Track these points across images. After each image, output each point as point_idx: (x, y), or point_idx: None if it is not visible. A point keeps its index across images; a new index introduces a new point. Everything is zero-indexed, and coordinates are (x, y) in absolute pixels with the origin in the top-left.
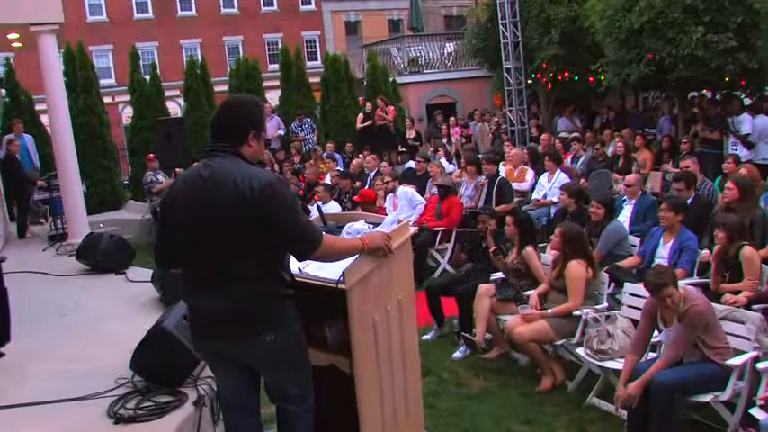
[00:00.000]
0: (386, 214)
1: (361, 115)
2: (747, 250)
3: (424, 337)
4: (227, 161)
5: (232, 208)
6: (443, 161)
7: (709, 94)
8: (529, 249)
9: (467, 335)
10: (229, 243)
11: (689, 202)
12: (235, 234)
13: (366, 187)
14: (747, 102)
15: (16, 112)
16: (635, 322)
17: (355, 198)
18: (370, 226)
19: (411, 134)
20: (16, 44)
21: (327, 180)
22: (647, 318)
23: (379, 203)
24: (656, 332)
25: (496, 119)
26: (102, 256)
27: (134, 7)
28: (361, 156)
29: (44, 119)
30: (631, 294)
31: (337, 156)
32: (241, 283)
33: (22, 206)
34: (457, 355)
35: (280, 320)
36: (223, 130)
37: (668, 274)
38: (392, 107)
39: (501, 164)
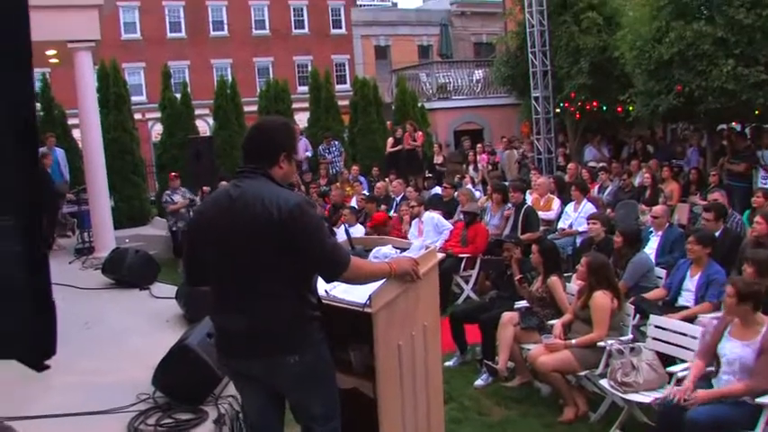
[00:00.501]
0: (405, 238)
1: (391, 139)
2: None
3: (447, 364)
4: (257, 182)
5: (259, 228)
6: (470, 187)
7: (738, 127)
8: (554, 278)
9: (489, 363)
10: (256, 263)
11: (717, 234)
12: (262, 254)
13: (392, 212)
14: None
15: (49, 126)
16: (660, 355)
17: (368, 224)
18: (398, 251)
19: (438, 159)
20: (53, 60)
21: (353, 203)
22: (718, 331)
23: (404, 228)
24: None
25: (523, 147)
26: (128, 271)
27: (167, 26)
28: (387, 180)
29: (76, 133)
30: (657, 327)
31: (362, 179)
32: (268, 303)
33: (49, 219)
34: (479, 382)
35: (305, 342)
36: (254, 151)
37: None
38: (420, 132)
39: (527, 192)
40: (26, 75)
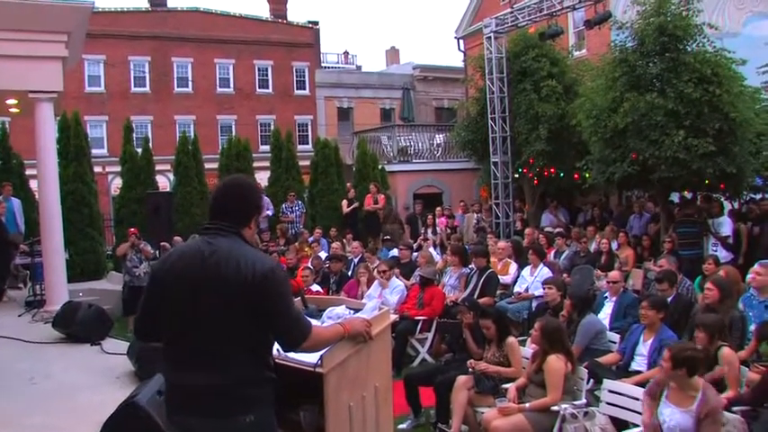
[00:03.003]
0: (360, 299)
1: (345, 201)
2: (727, 351)
3: (401, 427)
4: (230, 241)
5: (231, 290)
6: (431, 250)
7: (689, 196)
8: (511, 340)
9: (443, 426)
10: (221, 322)
11: (670, 300)
12: (226, 314)
13: (349, 273)
14: (727, 205)
15: (6, 174)
16: (614, 420)
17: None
18: (351, 311)
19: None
20: (14, 109)
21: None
22: (652, 397)
23: (361, 290)
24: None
25: (479, 213)
26: (80, 326)
27: (132, 81)
28: (344, 240)
29: (33, 183)
30: (610, 391)
31: (324, 241)
32: (227, 362)
33: (1, 270)
34: None
35: (260, 402)
36: (229, 210)
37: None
38: (382, 195)
39: None
40: None
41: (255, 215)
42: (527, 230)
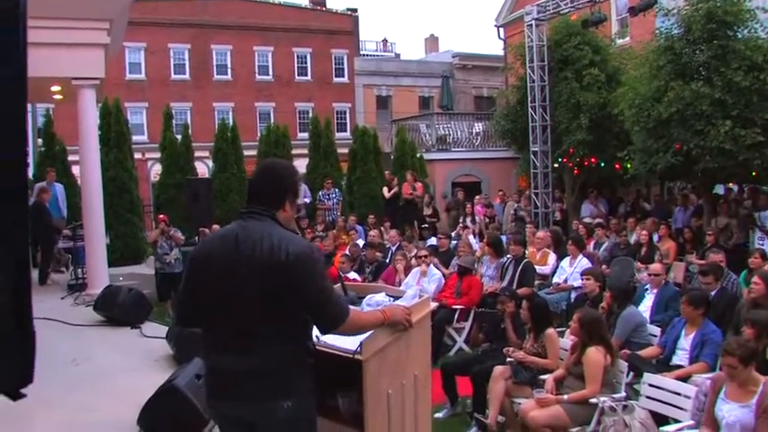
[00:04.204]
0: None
1: (386, 189)
2: None
3: (437, 416)
4: (264, 224)
5: (265, 270)
6: (471, 238)
7: (735, 188)
8: (550, 331)
9: (479, 416)
10: (256, 305)
11: (714, 294)
12: (263, 296)
13: (387, 260)
14: None
15: (50, 161)
16: (653, 414)
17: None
18: (391, 299)
19: (428, 211)
20: (57, 96)
21: (347, 250)
22: (712, 393)
23: (398, 278)
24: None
25: (518, 203)
26: (120, 310)
27: (171, 68)
28: (382, 228)
29: (75, 169)
30: (651, 385)
31: (360, 228)
32: (265, 346)
33: (45, 253)
34: None
35: (299, 388)
36: (262, 193)
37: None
38: (420, 183)
39: None
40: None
41: (290, 197)
42: (574, 222)
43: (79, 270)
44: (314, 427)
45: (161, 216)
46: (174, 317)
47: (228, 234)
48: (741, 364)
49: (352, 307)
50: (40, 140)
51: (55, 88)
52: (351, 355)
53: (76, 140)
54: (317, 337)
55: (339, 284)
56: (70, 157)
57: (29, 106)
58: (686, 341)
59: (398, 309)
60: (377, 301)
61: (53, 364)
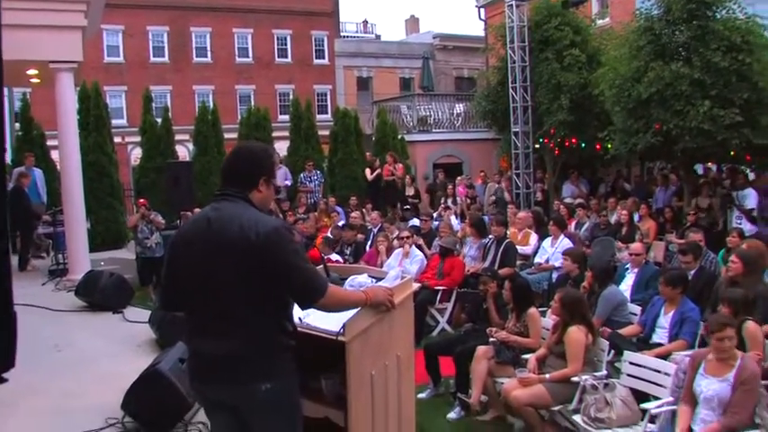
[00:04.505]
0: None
1: (368, 170)
2: (751, 325)
3: (420, 396)
4: (236, 206)
5: (237, 251)
6: (452, 218)
7: (714, 168)
8: (532, 311)
9: (462, 396)
10: (233, 287)
11: (693, 273)
12: (238, 278)
13: (369, 242)
14: (752, 176)
15: (28, 145)
16: (634, 392)
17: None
18: (373, 280)
19: (410, 192)
20: (34, 80)
21: (329, 233)
22: (691, 369)
23: (380, 259)
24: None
25: (499, 184)
26: (101, 294)
27: (150, 51)
28: (364, 210)
29: (54, 154)
30: (631, 363)
31: (339, 209)
32: (243, 328)
33: (25, 239)
34: (452, 415)
35: (278, 370)
36: (233, 174)
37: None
38: (400, 164)
39: None
40: None
41: (263, 178)
42: (555, 203)
43: (60, 255)
44: (298, 409)
45: (141, 200)
46: (158, 301)
47: (202, 217)
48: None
49: (335, 286)
50: (17, 125)
51: (32, 72)
52: (334, 337)
53: (55, 125)
54: (299, 318)
55: (321, 266)
56: (49, 142)
57: (5, 90)
58: (665, 319)
59: (381, 290)
60: (359, 282)
61: (35, 350)
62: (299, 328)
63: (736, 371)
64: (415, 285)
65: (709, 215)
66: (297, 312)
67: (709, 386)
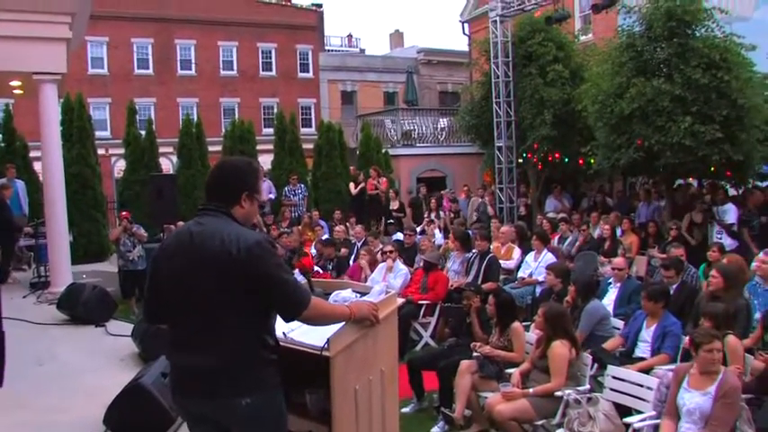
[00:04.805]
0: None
1: (352, 184)
2: (732, 339)
3: (403, 410)
4: (218, 220)
5: (218, 266)
6: (436, 232)
7: (695, 183)
8: (516, 325)
9: (446, 410)
10: (213, 301)
11: (674, 287)
12: (219, 292)
13: (353, 257)
14: (732, 192)
15: (10, 156)
16: (617, 406)
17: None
18: (358, 295)
19: (394, 205)
20: (17, 91)
21: (313, 248)
22: (675, 383)
23: (364, 273)
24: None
25: (482, 198)
26: (84, 308)
27: (135, 63)
28: (348, 224)
29: (36, 165)
30: (614, 378)
31: (323, 223)
32: (224, 342)
33: (6, 251)
34: (435, 430)
35: (259, 385)
36: (216, 189)
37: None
38: (384, 178)
39: None
40: None
41: (245, 193)
42: (538, 218)
43: (41, 268)
44: (282, 423)
45: (123, 213)
46: (143, 314)
47: (185, 231)
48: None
49: (318, 299)
50: None
51: (15, 83)
52: (318, 352)
53: (38, 136)
54: (284, 333)
55: (306, 280)
56: (31, 153)
57: None
58: (647, 333)
59: (365, 304)
60: (343, 297)
61: (18, 364)
62: (283, 343)
63: (718, 384)
64: (400, 300)
65: (699, 231)
66: (281, 327)
67: (692, 399)
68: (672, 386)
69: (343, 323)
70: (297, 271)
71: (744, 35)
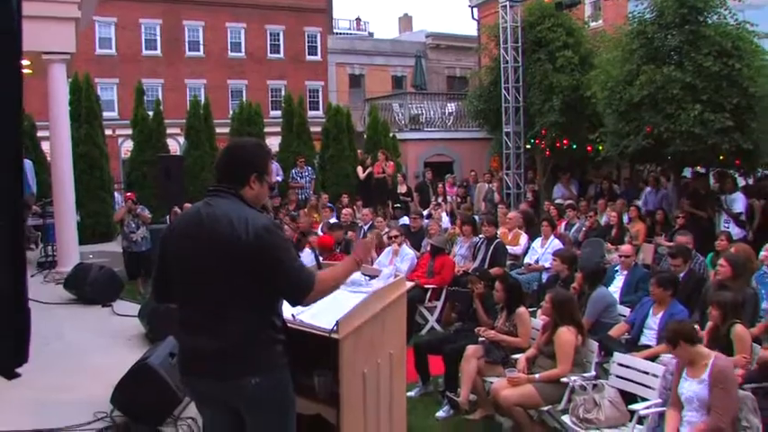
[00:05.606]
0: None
1: (360, 168)
2: (739, 328)
3: (409, 394)
4: (227, 202)
5: (227, 248)
6: (443, 215)
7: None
8: (522, 310)
9: (451, 395)
10: (221, 282)
11: (682, 276)
12: (227, 274)
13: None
14: (741, 181)
15: None
16: (623, 393)
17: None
18: (367, 277)
19: (402, 189)
20: (26, 70)
21: (320, 230)
22: (677, 372)
23: (371, 256)
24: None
25: (490, 183)
26: (91, 287)
27: (143, 44)
28: (354, 207)
29: (44, 145)
30: (620, 365)
31: (331, 206)
32: (230, 323)
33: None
34: (440, 414)
35: (267, 365)
36: (226, 170)
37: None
38: (391, 162)
39: None
40: None
41: (254, 175)
42: (545, 204)
43: (49, 247)
44: (290, 404)
45: (128, 194)
46: (152, 293)
47: (193, 212)
48: (672, 345)
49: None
50: None
51: (24, 62)
52: (327, 334)
53: (45, 116)
54: (292, 315)
55: (316, 263)
56: (39, 133)
57: None
58: (654, 321)
59: (358, 245)
60: (352, 279)
61: None
62: (292, 325)
63: (710, 369)
64: (409, 284)
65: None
66: (289, 309)
67: (690, 388)
68: (674, 375)
69: (353, 305)
70: (307, 250)
71: (757, 23)
